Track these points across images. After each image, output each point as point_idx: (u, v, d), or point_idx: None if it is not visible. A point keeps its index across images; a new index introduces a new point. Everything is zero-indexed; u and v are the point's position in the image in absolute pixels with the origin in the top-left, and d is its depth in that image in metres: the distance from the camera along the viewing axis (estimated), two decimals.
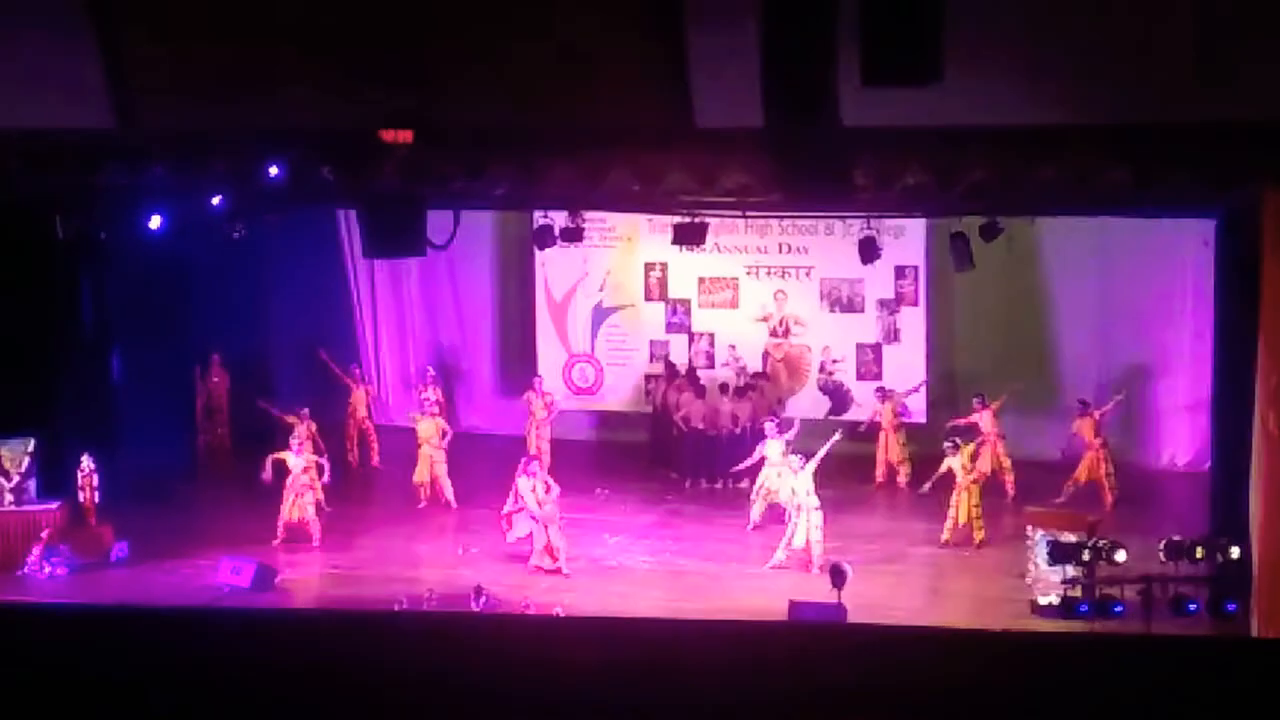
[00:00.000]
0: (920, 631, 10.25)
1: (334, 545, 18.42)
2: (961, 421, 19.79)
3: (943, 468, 18.10)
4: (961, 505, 17.87)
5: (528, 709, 6.26)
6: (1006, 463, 19.59)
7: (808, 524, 17.29)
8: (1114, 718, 6.25)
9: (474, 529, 18.93)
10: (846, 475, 20.19)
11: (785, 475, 17.91)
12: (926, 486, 18.73)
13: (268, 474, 18.48)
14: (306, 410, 19.89)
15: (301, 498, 18.32)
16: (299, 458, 18.45)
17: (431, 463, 19.85)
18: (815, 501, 17.33)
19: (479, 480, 20.50)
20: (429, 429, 20.00)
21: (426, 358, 23.69)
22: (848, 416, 21.67)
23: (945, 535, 17.95)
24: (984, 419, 19.61)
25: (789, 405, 21.95)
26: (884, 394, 20.77)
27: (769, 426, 18.96)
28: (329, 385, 21.98)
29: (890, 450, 20.49)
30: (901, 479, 20.34)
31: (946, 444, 18.34)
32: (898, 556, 17.82)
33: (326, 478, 18.89)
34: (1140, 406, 20.55)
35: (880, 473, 20.55)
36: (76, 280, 19.35)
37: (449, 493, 19.73)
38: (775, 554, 17.40)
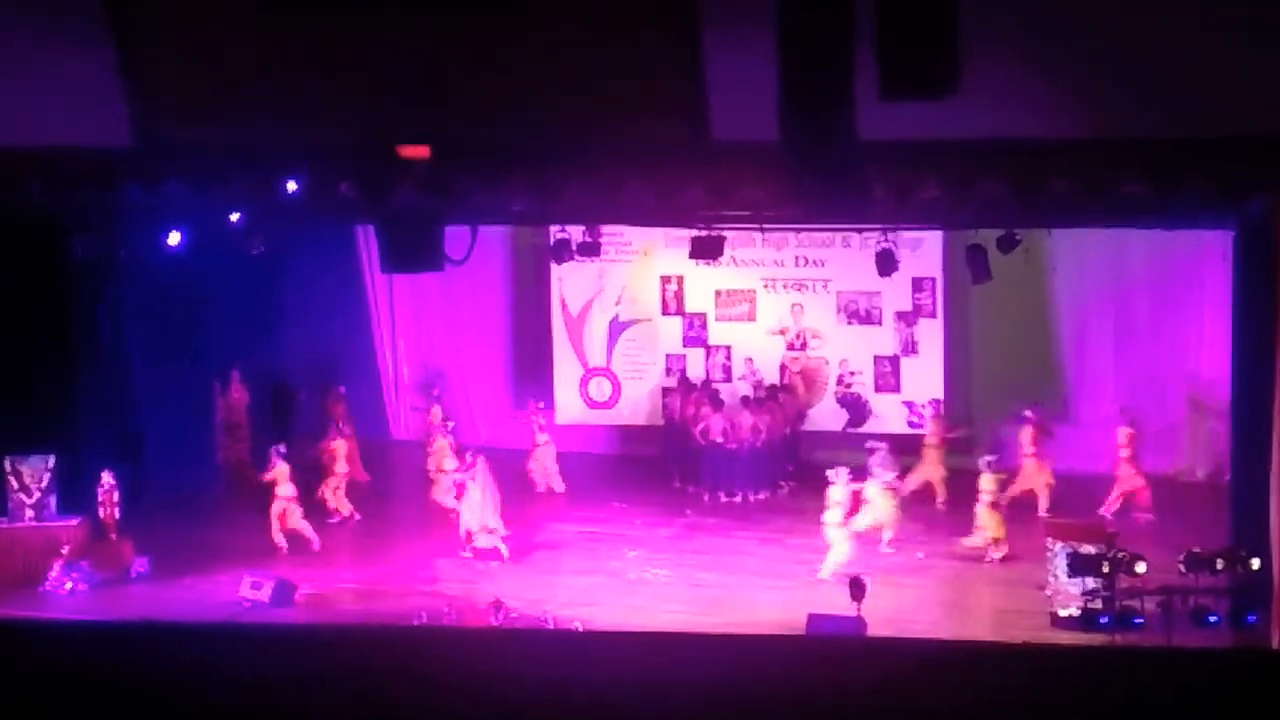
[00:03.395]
0: (940, 644, 10.23)
1: (353, 560, 18.47)
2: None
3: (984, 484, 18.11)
4: (991, 521, 17.86)
5: None
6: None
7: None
8: None
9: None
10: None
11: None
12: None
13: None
14: (282, 445, 19.82)
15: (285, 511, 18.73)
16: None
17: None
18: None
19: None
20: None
21: (445, 372, 23.77)
22: (866, 429, 21.73)
23: (999, 554, 17.82)
24: (1025, 436, 19.53)
25: (808, 418, 22.00)
26: (936, 408, 20.69)
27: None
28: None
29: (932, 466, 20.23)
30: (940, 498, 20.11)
31: (988, 458, 18.39)
32: (917, 569, 17.79)
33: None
34: (1159, 418, 20.51)
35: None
36: (96, 297, 19.42)
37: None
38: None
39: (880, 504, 18.17)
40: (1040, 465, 19.45)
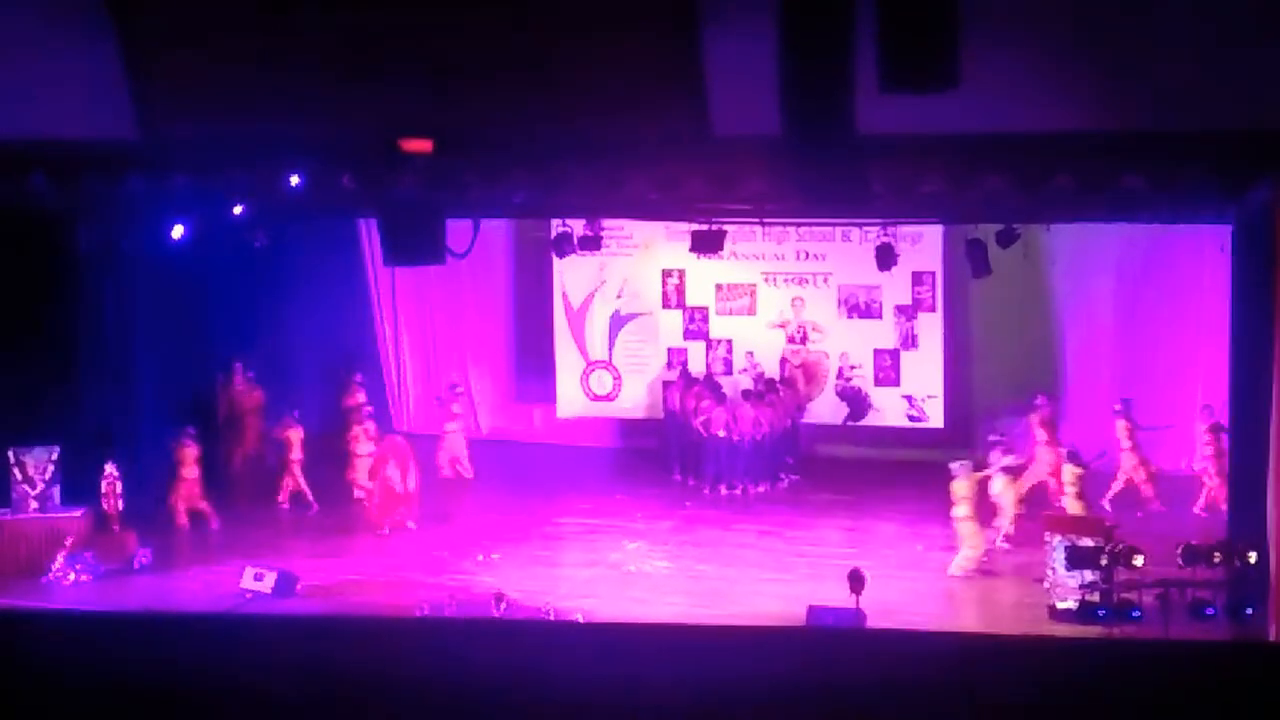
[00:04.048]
0: (938, 637, 10.28)
1: (356, 551, 18.52)
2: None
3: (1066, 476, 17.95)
4: (1079, 511, 17.64)
5: (547, 715, 6.30)
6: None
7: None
8: None
9: (494, 535, 19.02)
10: (865, 480, 20.33)
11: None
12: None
13: None
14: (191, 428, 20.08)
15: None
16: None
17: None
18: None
19: (499, 486, 20.62)
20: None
21: (448, 365, 23.83)
22: (866, 422, 21.79)
23: None
24: (1120, 430, 19.32)
25: (808, 411, 22.06)
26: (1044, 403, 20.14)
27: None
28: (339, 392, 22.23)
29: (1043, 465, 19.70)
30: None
31: (1066, 449, 18.34)
32: (916, 561, 17.83)
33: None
34: (1157, 412, 20.55)
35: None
36: (99, 289, 19.44)
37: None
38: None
39: (1007, 498, 17.96)
40: (1138, 459, 19.21)
